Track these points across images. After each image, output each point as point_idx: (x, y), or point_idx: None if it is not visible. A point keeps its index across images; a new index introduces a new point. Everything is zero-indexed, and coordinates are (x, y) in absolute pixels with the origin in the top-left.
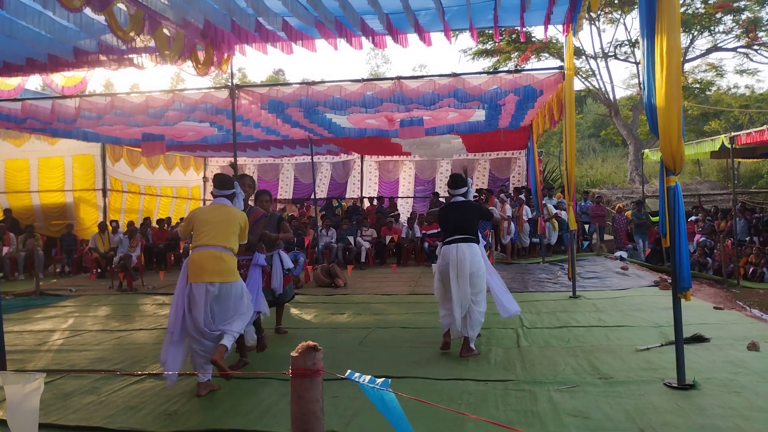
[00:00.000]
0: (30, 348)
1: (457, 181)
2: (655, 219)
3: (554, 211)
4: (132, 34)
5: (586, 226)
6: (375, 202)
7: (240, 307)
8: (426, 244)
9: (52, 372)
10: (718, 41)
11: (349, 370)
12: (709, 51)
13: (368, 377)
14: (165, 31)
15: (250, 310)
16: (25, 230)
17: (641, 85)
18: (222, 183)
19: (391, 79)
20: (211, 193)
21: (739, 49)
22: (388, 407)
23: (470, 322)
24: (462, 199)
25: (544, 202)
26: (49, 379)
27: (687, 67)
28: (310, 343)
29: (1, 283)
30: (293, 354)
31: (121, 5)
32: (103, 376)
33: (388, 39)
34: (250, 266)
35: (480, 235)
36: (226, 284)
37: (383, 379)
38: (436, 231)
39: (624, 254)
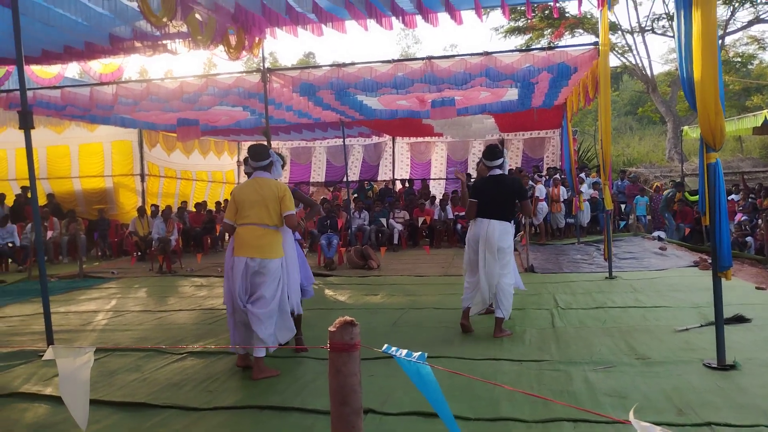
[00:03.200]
0: (75, 328)
1: (494, 152)
2: (694, 198)
3: (586, 191)
4: (164, 19)
5: (623, 206)
6: (406, 184)
7: (273, 285)
8: (459, 226)
9: (98, 350)
10: (760, 12)
11: (386, 345)
12: (750, 23)
13: (405, 351)
14: (197, 15)
15: (296, 284)
16: (67, 215)
17: (678, 59)
18: (257, 154)
19: (422, 59)
20: (245, 171)
21: None
22: (424, 381)
23: (501, 297)
24: (499, 171)
25: (581, 176)
26: (94, 357)
27: (728, 40)
28: (347, 318)
29: (46, 266)
30: (331, 329)
31: None
32: (146, 355)
33: (419, 18)
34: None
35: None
36: (266, 260)
37: (420, 353)
38: None
39: (662, 234)
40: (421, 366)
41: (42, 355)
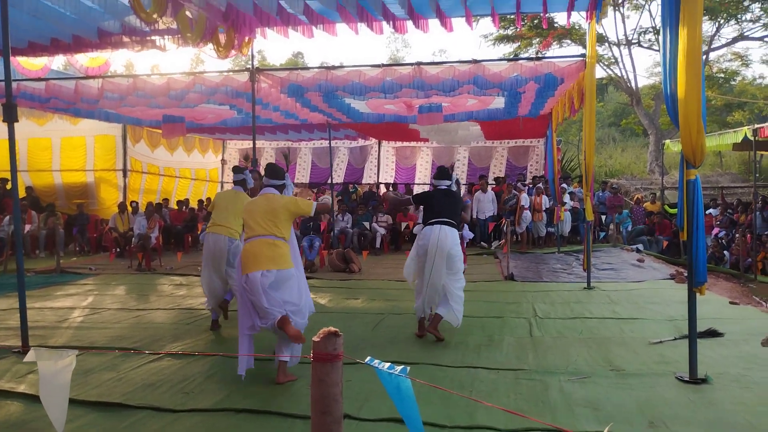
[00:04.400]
0: (51, 324)
1: (443, 173)
2: (673, 211)
3: (568, 200)
4: (155, 15)
5: (603, 217)
6: (390, 188)
7: (295, 291)
8: None
9: (72, 348)
10: (744, 30)
11: (369, 357)
12: (735, 40)
13: (387, 364)
14: (187, 13)
15: (306, 302)
16: (46, 208)
17: (663, 75)
18: (274, 173)
19: (411, 64)
20: (234, 180)
21: (766, 39)
22: (402, 395)
23: (451, 301)
24: (446, 188)
25: (563, 186)
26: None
27: (712, 56)
28: (332, 329)
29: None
30: (315, 339)
31: None
32: (122, 354)
33: (409, 24)
34: None
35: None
36: (281, 271)
37: (402, 366)
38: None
39: (640, 246)
40: (402, 380)
41: (17, 351)
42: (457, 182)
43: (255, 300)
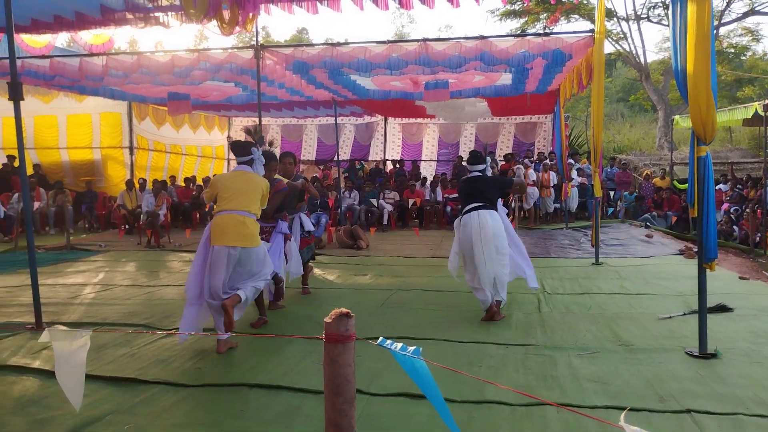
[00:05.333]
0: (63, 301)
1: (476, 157)
2: (682, 186)
3: (575, 176)
4: None
5: (612, 193)
6: (397, 165)
7: (259, 272)
8: (448, 208)
9: (87, 324)
10: (755, 4)
11: (381, 337)
12: (745, 14)
13: (400, 344)
14: None
15: (269, 272)
16: (54, 186)
17: (672, 50)
18: (239, 150)
19: (417, 41)
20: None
21: None
22: (420, 374)
23: (500, 287)
24: (478, 174)
25: (570, 162)
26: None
27: (722, 31)
28: (343, 309)
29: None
30: (327, 320)
31: None
32: (134, 330)
33: (415, 0)
34: (273, 233)
35: (500, 204)
36: (247, 249)
37: (415, 347)
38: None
39: (650, 220)
40: (416, 361)
41: (31, 328)
42: (495, 162)
43: (213, 273)
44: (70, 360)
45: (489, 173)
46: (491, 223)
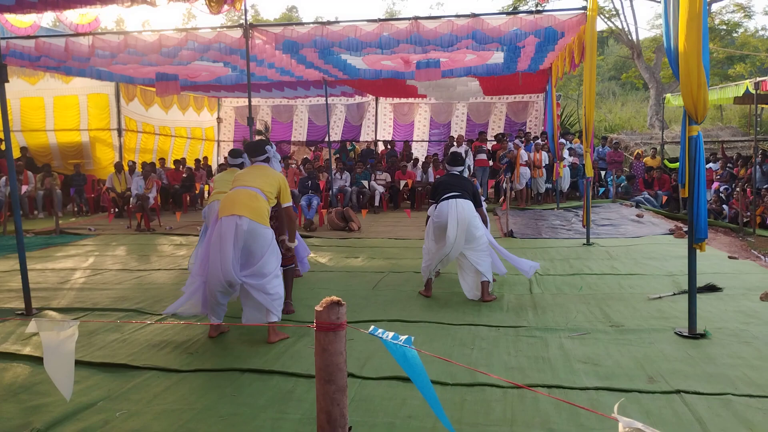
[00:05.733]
0: (53, 286)
1: (456, 159)
2: (673, 166)
3: (567, 156)
4: None
5: (603, 173)
6: (388, 146)
7: (269, 260)
8: None
9: (77, 309)
10: None
11: (372, 326)
12: None
13: (392, 334)
14: None
15: (279, 269)
16: (42, 169)
17: (664, 29)
18: (254, 150)
19: (408, 19)
20: (229, 163)
21: None
22: (410, 364)
23: (479, 261)
24: (457, 173)
25: (561, 141)
26: (73, 317)
27: (714, 7)
28: (334, 298)
29: (21, 221)
30: (317, 308)
31: None
32: (125, 315)
33: None
34: None
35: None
36: (255, 224)
37: (406, 336)
38: None
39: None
40: (408, 350)
41: (21, 314)
42: (469, 168)
43: (223, 247)
44: (58, 350)
45: (466, 174)
46: (468, 213)
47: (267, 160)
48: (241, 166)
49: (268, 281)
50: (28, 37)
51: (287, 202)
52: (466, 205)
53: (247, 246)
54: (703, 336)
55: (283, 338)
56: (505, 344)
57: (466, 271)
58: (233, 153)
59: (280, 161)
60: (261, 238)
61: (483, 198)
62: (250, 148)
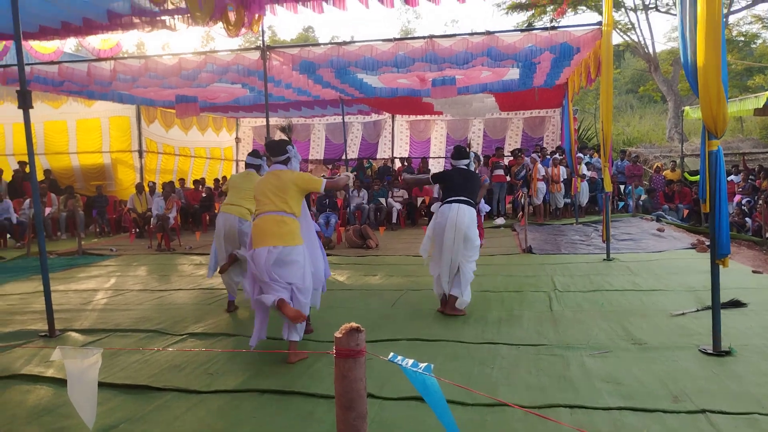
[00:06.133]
0: (76, 307)
1: (460, 152)
2: (693, 179)
3: (584, 171)
4: None
5: (622, 187)
6: (405, 162)
7: (299, 271)
8: None
9: (99, 330)
10: None
11: (391, 353)
12: (755, 2)
13: (411, 361)
14: None
15: (311, 282)
16: (65, 191)
17: (680, 43)
18: (274, 149)
19: (423, 38)
20: (246, 162)
21: None
22: (430, 392)
23: (461, 281)
24: (464, 167)
25: (579, 156)
26: (95, 338)
27: (732, 19)
28: (353, 324)
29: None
30: (337, 335)
31: None
32: (147, 336)
33: None
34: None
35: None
36: (288, 247)
37: (426, 364)
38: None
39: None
40: (428, 378)
41: (44, 335)
42: (477, 158)
43: (258, 275)
44: (81, 378)
45: (472, 167)
46: (468, 220)
47: (287, 161)
48: (258, 168)
49: (302, 299)
50: (52, 62)
51: (316, 189)
52: (468, 212)
53: (277, 268)
54: (728, 353)
55: (302, 358)
56: (525, 363)
57: (448, 274)
58: (254, 153)
59: (300, 161)
60: (292, 256)
61: (488, 208)
62: (272, 148)
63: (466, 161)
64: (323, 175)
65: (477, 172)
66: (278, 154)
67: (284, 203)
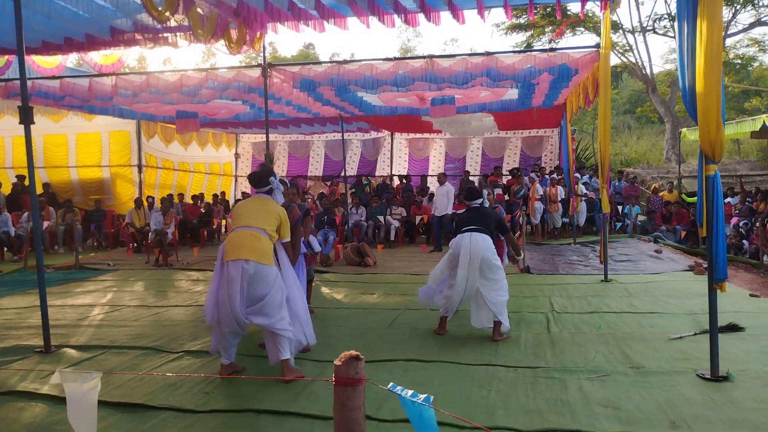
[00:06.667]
0: (72, 323)
1: (472, 193)
2: (691, 200)
3: (583, 191)
4: (167, 13)
5: (620, 207)
6: (404, 180)
7: (274, 296)
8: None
9: (95, 347)
10: (761, 15)
11: (391, 383)
12: (752, 25)
13: (410, 391)
14: (199, 10)
15: (287, 309)
16: (63, 204)
17: (679, 68)
18: (258, 181)
19: (423, 57)
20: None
21: None
22: (425, 423)
23: (496, 308)
24: (478, 206)
25: (576, 176)
26: (91, 355)
27: (728, 42)
28: (353, 352)
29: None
30: (336, 363)
31: None
32: (143, 353)
33: (421, 17)
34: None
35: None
36: (261, 265)
37: (426, 395)
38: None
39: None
40: (425, 408)
41: (40, 351)
42: (491, 190)
43: (231, 292)
44: (81, 402)
45: (486, 204)
46: (482, 247)
47: (270, 191)
48: (269, 192)
49: (277, 320)
50: (54, 77)
51: (286, 238)
52: (481, 239)
53: (253, 286)
54: (726, 378)
55: (298, 377)
56: (523, 386)
57: (480, 305)
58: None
59: (282, 192)
60: (266, 278)
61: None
62: (254, 179)
63: (479, 200)
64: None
65: (490, 205)
66: (261, 185)
67: (264, 222)
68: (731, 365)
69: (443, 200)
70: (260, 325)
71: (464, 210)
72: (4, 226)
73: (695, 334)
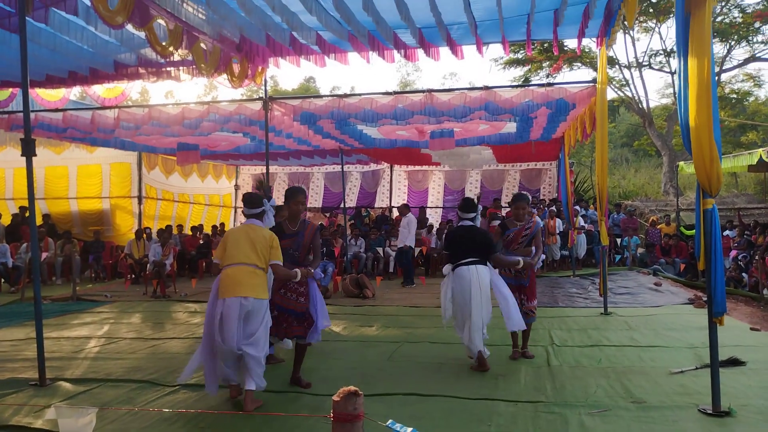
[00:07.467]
0: (68, 355)
1: (468, 205)
2: (689, 233)
3: (581, 223)
4: (171, 48)
5: (618, 240)
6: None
7: (263, 332)
8: None
9: (90, 380)
10: (756, 51)
11: (390, 420)
12: (747, 61)
13: (410, 429)
14: (202, 45)
15: (264, 341)
16: (62, 235)
17: (675, 97)
18: (251, 202)
19: (422, 91)
20: (242, 212)
21: None
22: None
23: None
24: (470, 224)
25: (576, 208)
26: (86, 388)
27: (724, 77)
28: (351, 388)
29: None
30: (335, 398)
31: (160, 21)
32: (138, 386)
33: (420, 52)
34: (309, 281)
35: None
36: (258, 300)
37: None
38: None
39: (659, 269)
40: None
41: (34, 384)
42: (482, 212)
43: (226, 327)
44: None
45: (478, 222)
46: (486, 280)
47: (262, 214)
48: (261, 214)
49: (263, 352)
50: (57, 110)
51: (274, 260)
52: (483, 272)
53: (248, 320)
54: (728, 414)
55: (257, 405)
56: (523, 421)
57: (510, 306)
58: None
59: (275, 215)
60: (260, 311)
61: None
62: (248, 200)
63: (472, 214)
64: (330, 222)
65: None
66: (254, 206)
67: (256, 257)
68: (733, 400)
69: (404, 231)
70: (247, 354)
71: (457, 227)
72: (2, 257)
73: (696, 368)
